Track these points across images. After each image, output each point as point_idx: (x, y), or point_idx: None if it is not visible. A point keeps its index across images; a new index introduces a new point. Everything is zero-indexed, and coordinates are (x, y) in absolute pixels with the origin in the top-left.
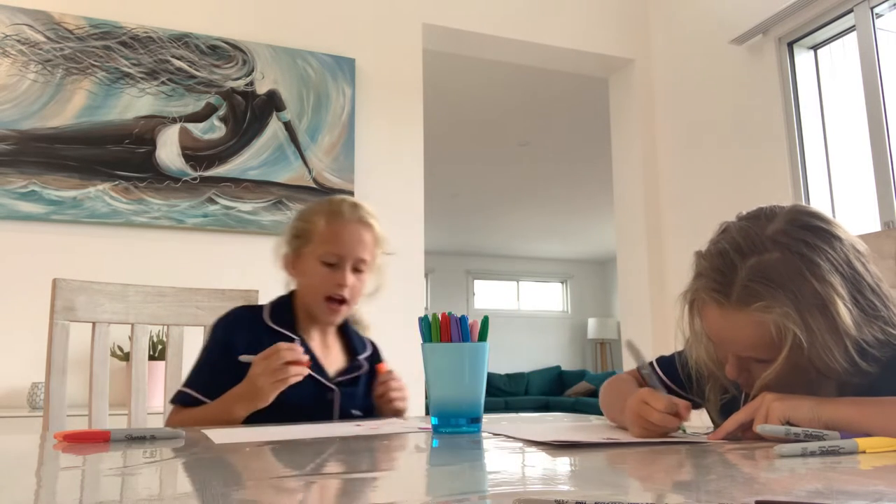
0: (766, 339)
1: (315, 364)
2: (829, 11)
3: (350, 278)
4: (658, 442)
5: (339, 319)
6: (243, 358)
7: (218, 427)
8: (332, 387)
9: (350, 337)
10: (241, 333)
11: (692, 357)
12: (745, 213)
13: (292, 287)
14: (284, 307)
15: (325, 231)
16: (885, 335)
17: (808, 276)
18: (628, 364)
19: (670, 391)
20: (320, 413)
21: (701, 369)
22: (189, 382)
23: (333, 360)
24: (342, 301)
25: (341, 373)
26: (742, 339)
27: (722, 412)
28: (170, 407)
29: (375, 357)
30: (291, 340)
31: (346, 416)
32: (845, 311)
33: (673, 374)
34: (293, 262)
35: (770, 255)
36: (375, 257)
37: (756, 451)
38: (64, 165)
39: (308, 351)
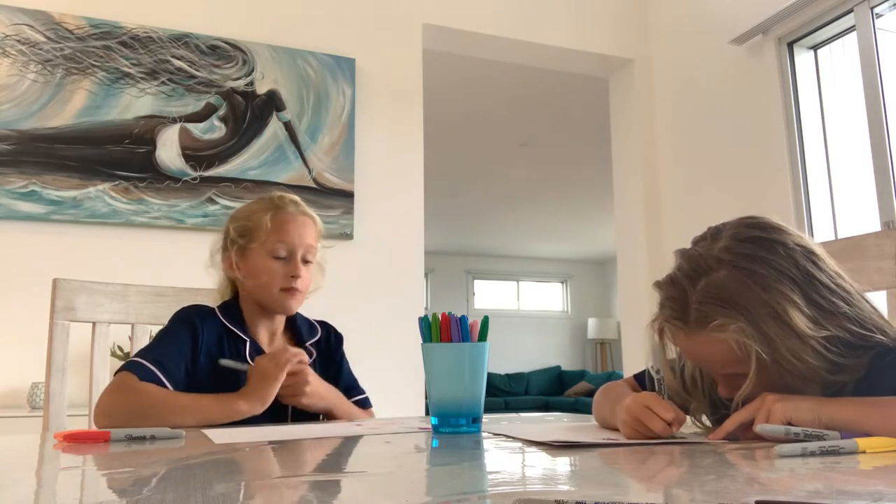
0: (733, 356)
1: None
2: (829, 11)
3: (301, 269)
4: (658, 442)
5: (296, 306)
6: (224, 362)
7: (207, 422)
8: None
9: (298, 326)
10: (205, 323)
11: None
12: (697, 235)
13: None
14: (233, 309)
15: (271, 225)
16: (849, 332)
17: (754, 286)
18: (629, 364)
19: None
20: (276, 413)
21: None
22: (152, 358)
23: None
24: (296, 290)
25: None
26: (712, 358)
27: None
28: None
29: (329, 338)
30: (244, 341)
31: (303, 411)
32: (798, 314)
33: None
34: (236, 262)
35: (716, 275)
36: (317, 251)
37: (756, 451)
38: (64, 165)
39: (258, 351)
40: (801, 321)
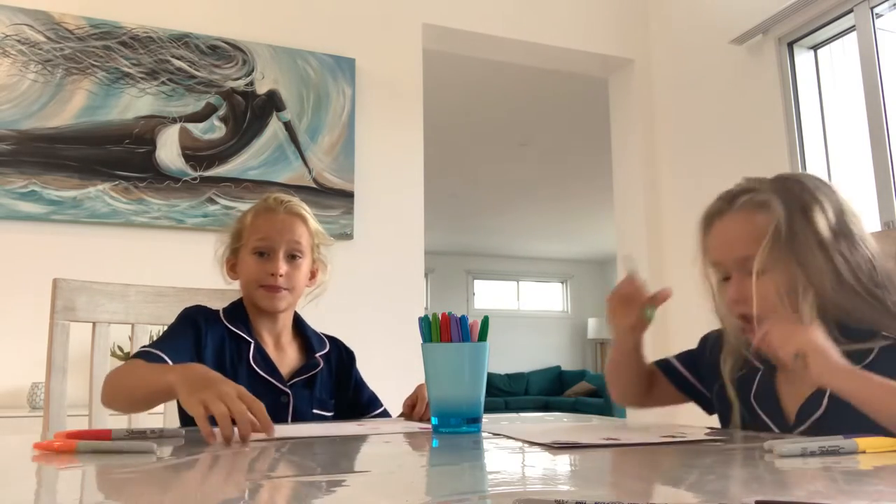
0: (754, 231)
1: (269, 366)
2: (829, 11)
3: (283, 266)
4: (658, 442)
5: (280, 305)
6: None
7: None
8: (286, 390)
9: (307, 336)
10: (207, 324)
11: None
12: None
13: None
14: (238, 311)
15: (252, 223)
16: (861, 268)
17: (795, 187)
18: None
19: (687, 382)
20: (276, 416)
21: (725, 337)
22: (159, 347)
23: (288, 361)
24: (279, 288)
25: (296, 373)
26: (735, 233)
27: (740, 386)
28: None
29: (341, 355)
30: (248, 343)
31: (303, 417)
32: (822, 218)
33: (692, 365)
34: (233, 264)
35: (767, 182)
36: (313, 248)
37: (756, 451)
38: (64, 165)
39: (261, 353)
40: (824, 225)
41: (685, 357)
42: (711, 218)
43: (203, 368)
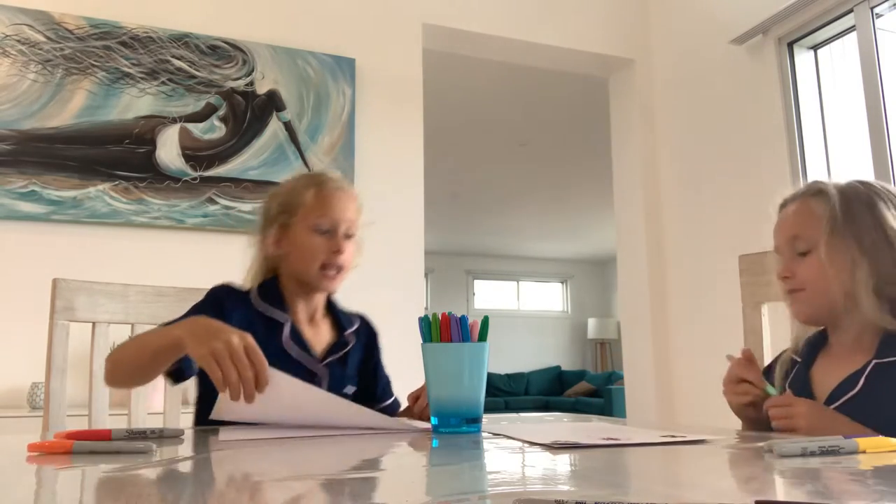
0: (805, 213)
1: (303, 345)
2: (829, 11)
3: (344, 244)
4: (658, 442)
5: (336, 286)
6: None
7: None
8: (321, 369)
9: (337, 314)
10: (235, 305)
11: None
12: None
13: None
14: (271, 289)
15: (314, 199)
16: None
17: (860, 186)
18: (629, 364)
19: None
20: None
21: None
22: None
23: (322, 338)
24: (338, 268)
25: (329, 350)
26: (788, 217)
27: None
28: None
29: (369, 331)
30: (281, 323)
31: (337, 394)
32: (886, 209)
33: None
34: (278, 238)
35: (832, 181)
36: (358, 227)
37: (756, 451)
38: (64, 165)
39: (295, 334)
40: (891, 219)
41: None
42: (778, 212)
43: (208, 319)
